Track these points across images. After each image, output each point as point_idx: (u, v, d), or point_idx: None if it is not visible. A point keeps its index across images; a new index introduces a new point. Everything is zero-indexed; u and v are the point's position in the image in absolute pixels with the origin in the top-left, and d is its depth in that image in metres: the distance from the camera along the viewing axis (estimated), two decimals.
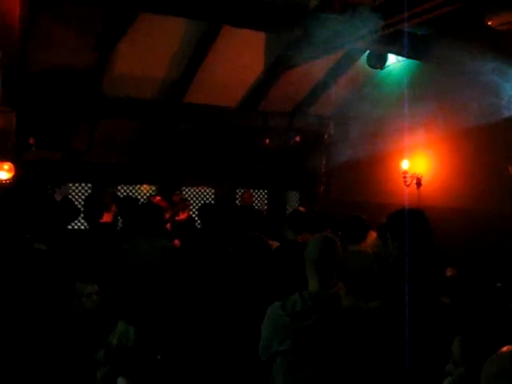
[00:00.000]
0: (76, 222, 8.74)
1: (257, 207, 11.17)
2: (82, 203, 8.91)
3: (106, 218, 6.12)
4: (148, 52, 7.77)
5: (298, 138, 10.36)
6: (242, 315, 4.77)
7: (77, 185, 9.96)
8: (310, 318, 2.79)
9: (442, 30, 7.77)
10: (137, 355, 2.81)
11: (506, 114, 6.95)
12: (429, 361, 2.84)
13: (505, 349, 1.91)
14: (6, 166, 7.69)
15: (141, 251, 5.00)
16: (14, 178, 7.71)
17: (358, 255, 4.82)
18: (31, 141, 8.18)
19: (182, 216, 8.06)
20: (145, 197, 10.58)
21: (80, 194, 10.00)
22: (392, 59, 8.67)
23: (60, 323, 4.08)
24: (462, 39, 7.24)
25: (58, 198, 7.01)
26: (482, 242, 6.81)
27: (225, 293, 5.19)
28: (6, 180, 7.70)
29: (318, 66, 8.80)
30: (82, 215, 8.05)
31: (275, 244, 5.88)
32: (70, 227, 8.36)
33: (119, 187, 10.37)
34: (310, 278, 2.96)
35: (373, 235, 6.07)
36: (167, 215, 7.42)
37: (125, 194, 10.35)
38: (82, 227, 8.61)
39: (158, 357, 2.96)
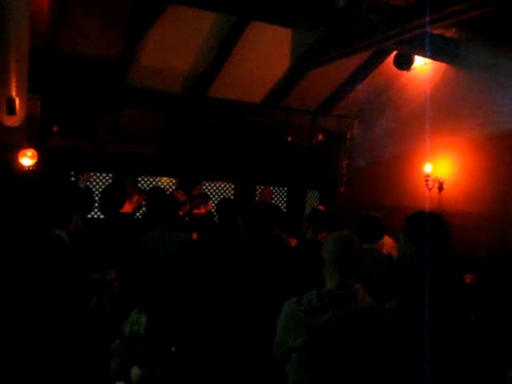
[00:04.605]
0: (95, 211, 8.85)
1: (276, 204, 11.15)
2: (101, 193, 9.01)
3: (127, 208, 6.17)
4: (174, 45, 7.77)
5: (320, 137, 10.32)
6: (259, 312, 4.77)
7: (98, 174, 10.01)
8: (325, 315, 2.78)
9: (471, 32, 7.68)
10: (150, 345, 2.81)
11: None
12: (447, 364, 2.82)
13: None
14: (29, 152, 7.80)
15: (157, 243, 5.03)
16: (36, 164, 7.81)
17: (370, 254, 4.84)
18: (55, 128, 8.25)
19: (202, 210, 8.08)
20: (165, 189, 10.62)
21: (101, 183, 10.05)
22: (419, 61, 8.58)
23: (74, 310, 4.10)
24: (492, 42, 7.17)
25: (82, 185, 7.07)
26: (504, 250, 6.74)
27: (241, 288, 5.20)
28: (28, 166, 7.79)
29: (343, 66, 8.76)
30: (98, 205, 8.15)
31: (293, 241, 5.89)
32: (89, 216, 8.45)
33: (140, 178, 10.41)
34: (329, 276, 2.94)
35: (387, 238, 6.05)
36: (185, 209, 7.45)
37: (145, 185, 10.41)
38: (102, 217, 8.66)
39: (173, 349, 2.96)
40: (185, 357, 3.70)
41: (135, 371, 2.75)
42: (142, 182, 10.49)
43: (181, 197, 7.19)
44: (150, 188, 9.28)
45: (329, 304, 2.81)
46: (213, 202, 9.63)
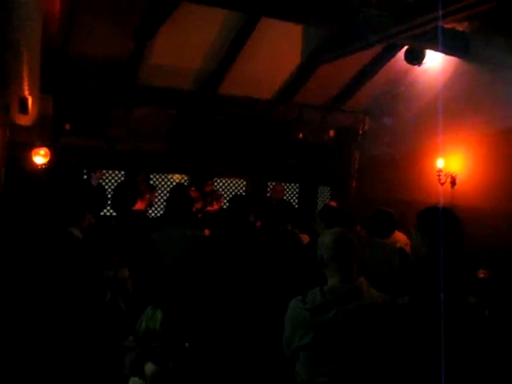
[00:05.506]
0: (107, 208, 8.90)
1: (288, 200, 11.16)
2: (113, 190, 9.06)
3: (140, 205, 6.21)
4: (185, 42, 7.79)
5: (331, 133, 10.29)
6: (271, 309, 4.78)
7: (110, 172, 10.07)
8: (329, 312, 2.78)
9: (482, 26, 7.63)
10: (164, 340, 2.83)
11: None
12: (460, 358, 2.82)
13: None
14: (42, 151, 7.87)
15: (171, 239, 5.04)
16: (49, 163, 7.88)
17: (382, 248, 4.85)
18: (67, 127, 8.30)
19: (215, 206, 8.11)
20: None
21: (113, 181, 10.10)
22: (430, 56, 8.53)
23: (87, 307, 4.13)
24: (504, 35, 7.11)
25: (94, 182, 7.13)
26: None
27: (253, 284, 5.21)
28: (41, 165, 7.86)
29: (354, 61, 8.73)
30: (110, 202, 8.21)
31: (306, 237, 5.89)
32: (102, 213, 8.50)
33: (151, 176, 10.45)
34: (330, 273, 2.94)
35: (400, 235, 6.04)
36: (198, 205, 7.48)
37: (157, 182, 10.45)
38: (114, 214, 8.70)
39: (186, 344, 2.98)
40: (198, 353, 3.72)
41: (149, 367, 2.77)
42: (154, 179, 10.53)
43: (193, 194, 7.22)
44: (175, 184, 9.37)
45: (333, 300, 2.81)
46: (224, 198, 9.66)
